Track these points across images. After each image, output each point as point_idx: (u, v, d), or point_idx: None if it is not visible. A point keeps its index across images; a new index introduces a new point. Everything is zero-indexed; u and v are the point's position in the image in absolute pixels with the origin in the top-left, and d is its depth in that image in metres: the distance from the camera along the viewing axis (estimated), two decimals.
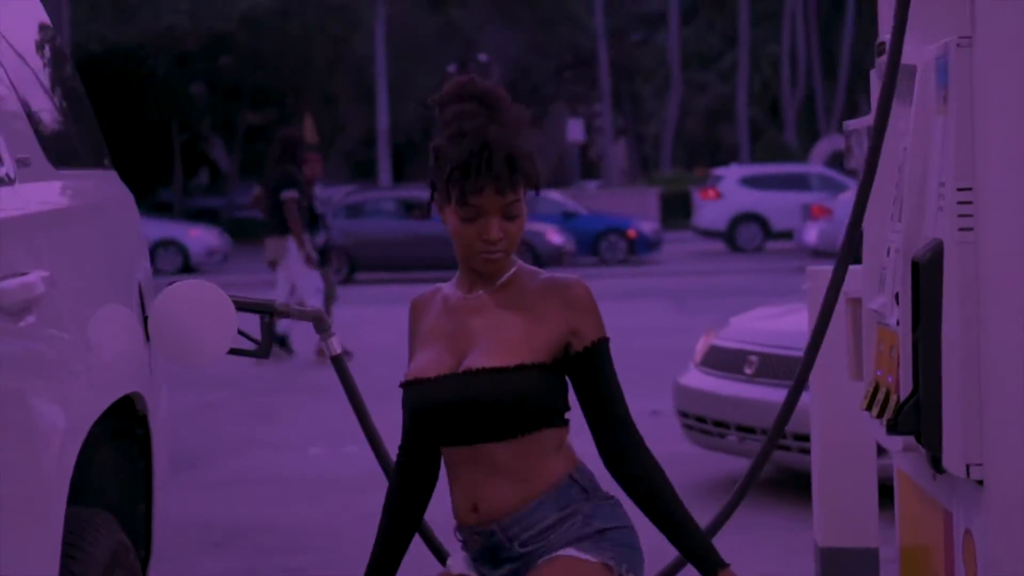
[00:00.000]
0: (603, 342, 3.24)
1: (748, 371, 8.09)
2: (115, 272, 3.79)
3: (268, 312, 3.88)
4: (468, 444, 3.21)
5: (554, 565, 3.17)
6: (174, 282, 3.70)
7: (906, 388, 3.69)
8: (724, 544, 3.56)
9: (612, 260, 30.74)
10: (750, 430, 7.89)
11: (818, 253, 28.13)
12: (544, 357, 3.20)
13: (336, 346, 3.88)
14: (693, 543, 3.23)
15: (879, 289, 4.14)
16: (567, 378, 3.27)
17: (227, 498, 8.54)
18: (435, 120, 3.21)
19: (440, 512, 3.65)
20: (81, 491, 3.40)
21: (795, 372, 4.05)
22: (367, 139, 46.98)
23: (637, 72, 57.02)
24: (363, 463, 9.18)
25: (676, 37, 52.82)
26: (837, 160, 41.52)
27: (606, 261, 30.70)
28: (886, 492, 5.01)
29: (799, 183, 33.62)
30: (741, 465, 8.35)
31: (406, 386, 3.28)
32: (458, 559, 3.34)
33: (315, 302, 13.75)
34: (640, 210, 36.52)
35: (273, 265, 14.49)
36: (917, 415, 3.60)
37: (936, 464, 3.61)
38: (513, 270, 3.27)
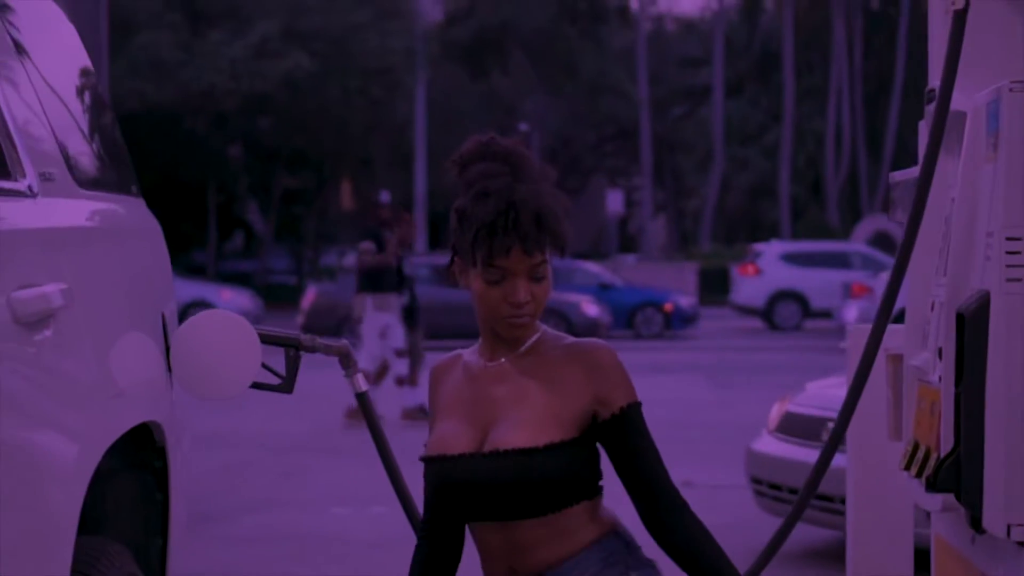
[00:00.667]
0: (633, 407, 3.08)
1: (826, 438, 7.93)
2: (137, 297, 3.71)
3: (294, 346, 3.77)
4: (498, 521, 3.09)
5: None
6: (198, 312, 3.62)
7: (947, 445, 3.58)
8: None
9: (647, 334, 30.58)
10: (828, 498, 7.67)
11: None
12: (573, 431, 3.05)
13: (362, 383, 3.78)
14: None
15: (922, 345, 4.03)
16: (598, 445, 3.13)
17: (250, 554, 8.45)
18: (457, 181, 3.08)
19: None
20: (94, 521, 3.31)
21: None
22: (403, 205, 47.08)
23: (679, 146, 57.15)
24: (387, 523, 9.14)
25: (720, 111, 52.92)
26: (880, 240, 41.38)
27: (641, 335, 30.53)
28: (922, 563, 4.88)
29: (840, 261, 33.45)
30: (811, 533, 8.24)
31: (428, 461, 3.14)
32: None
33: (369, 366, 14.03)
34: (678, 285, 36.44)
35: (358, 322, 14.71)
36: (957, 472, 3.49)
37: (976, 524, 3.50)
38: (537, 336, 3.13)
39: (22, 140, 3.27)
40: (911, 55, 53.37)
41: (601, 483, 3.13)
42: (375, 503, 9.83)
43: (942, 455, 3.60)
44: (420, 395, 14.30)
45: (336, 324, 27.39)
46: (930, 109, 3.90)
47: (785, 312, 33.34)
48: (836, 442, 3.86)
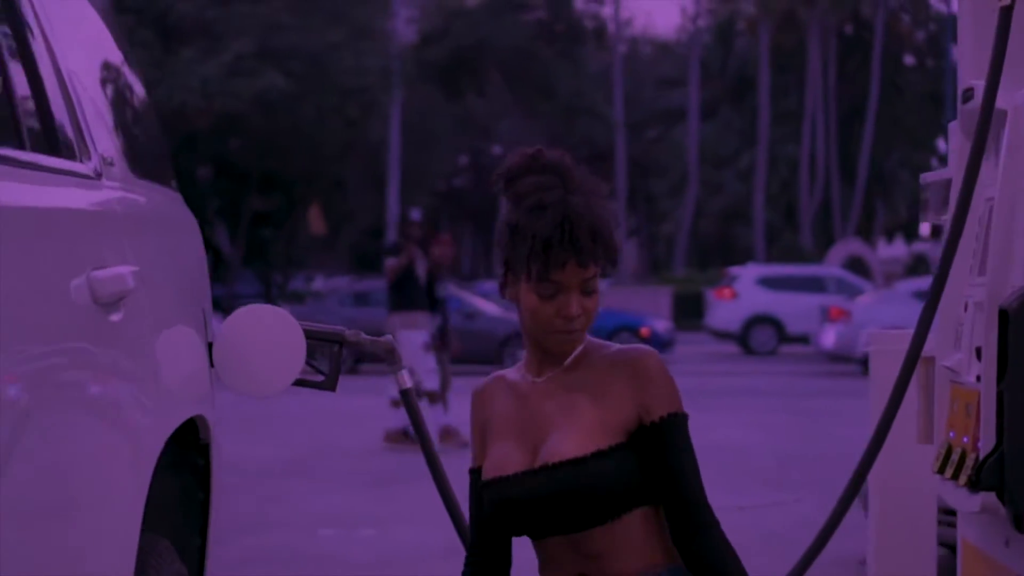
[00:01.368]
0: (675, 418, 3.03)
1: None
2: (186, 290, 3.70)
3: (339, 342, 3.70)
4: (563, 535, 3.05)
5: None
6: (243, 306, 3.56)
7: (987, 445, 3.54)
8: None
9: None
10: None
11: (835, 358, 27.94)
12: (621, 437, 3.03)
13: (407, 379, 3.71)
14: None
15: (955, 346, 3.99)
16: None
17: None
18: (505, 194, 3.06)
19: None
20: (145, 516, 3.26)
21: None
22: (374, 229, 46.85)
23: (652, 169, 57.24)
24: (378, 546, 9.08)
25: (695, 134, 53.06)
26: (853, 264, 41.53)
27: None
28: None
29: (816, 285, 33.47)
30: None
31: (485, 485, 3.12)
32: None
33: (431, 383, 13.80)
34: (652, 309, 36.41)
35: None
36: (1000, 470, 3.45)
37: (1018, 523, 3.46)
38: (582, 347, 3.10)
39: (87, 124, 3.23)
40: (885, 80, 53.66)
41: None
42: (362, 525, 9.77)
43: (982, 455, 3.57)
44: (445, 416, 14.09)
45: (308, 348, 27.27)
46: (966, 108, 3.87)
47: (761, 337, 33.32)
48: (875, 452, 3.81)
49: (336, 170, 43.62)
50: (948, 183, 4.12)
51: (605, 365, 3.06)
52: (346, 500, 10.92)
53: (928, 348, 4.23)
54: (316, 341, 3.64)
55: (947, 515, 5.79)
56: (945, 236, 3.80)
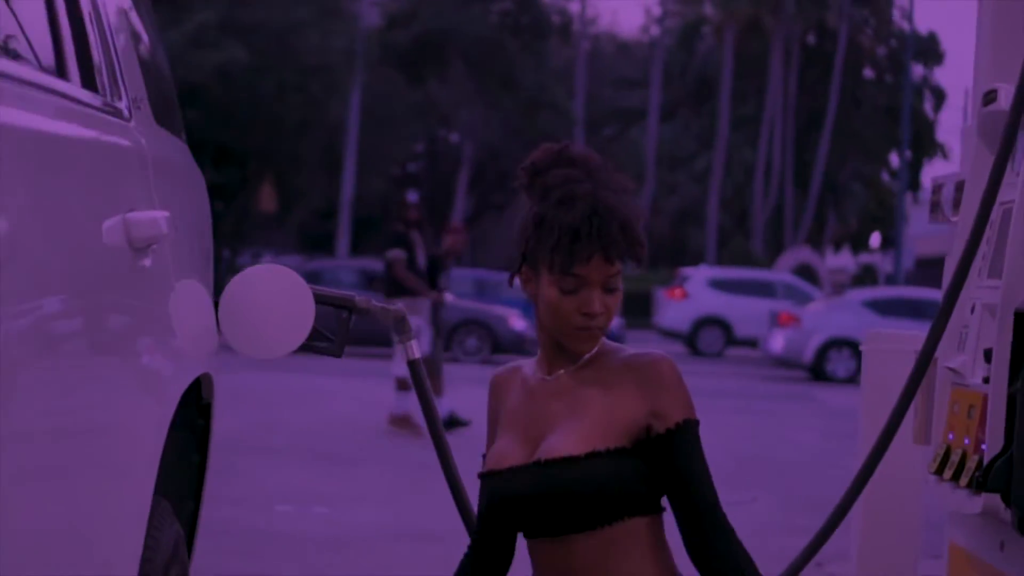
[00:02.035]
0: (689, 424, 2.95)
1: None
2: (198, 243, 3.65)
3: (348, 308, 3.64)
4: (552, 536, 2.99)
5: None
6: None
7: (993, 447, 3.54)
8: None
9: None
10: None
11: (782, 362, 28.05)
12: (622, 441, 2.95)
13: (415, 350, 3.66)
14: None
15: (958, 348, 3.99)
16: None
17: (198, 546, 8.28)
18: (530, 188, 2.99)
19: None
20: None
21: None
22: (325, 211, 46.63)
23: None
24: (335, 524, 9.02)
25: (655, 135, 53.14)
26: (802, 272, 41.70)
27: None
28: None
29: (766, 290, 33.58)
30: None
31: (482, 477, 3.06)
32: None
33: (401, 371, 13.47)
34: None
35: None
36: (1008, 472, 3.44)
37: (1022, 526, 3.46)
38: (596, 348, 3.02)
39: (120, 64, 3.18)
40: (844, 92, 53.90)
41: (663, 506, 3.03)
42: (317, 503, 9.70)
43: (987, 457, 3.56)
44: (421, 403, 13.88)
45: None
46: (987, 111, 3.86)
47: (709, 338, 33.39)
48: (882, 451, 3.78)
49: (292, 148, 43.40)
50: (961, 184, 4.13)
51: (618, 368, 2.99)
52: (299, 477, 10.86)
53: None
54: (325, 305, 3.59)
55: None
56: (962, 238, 3.78)
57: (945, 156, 57.90)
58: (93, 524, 2.68)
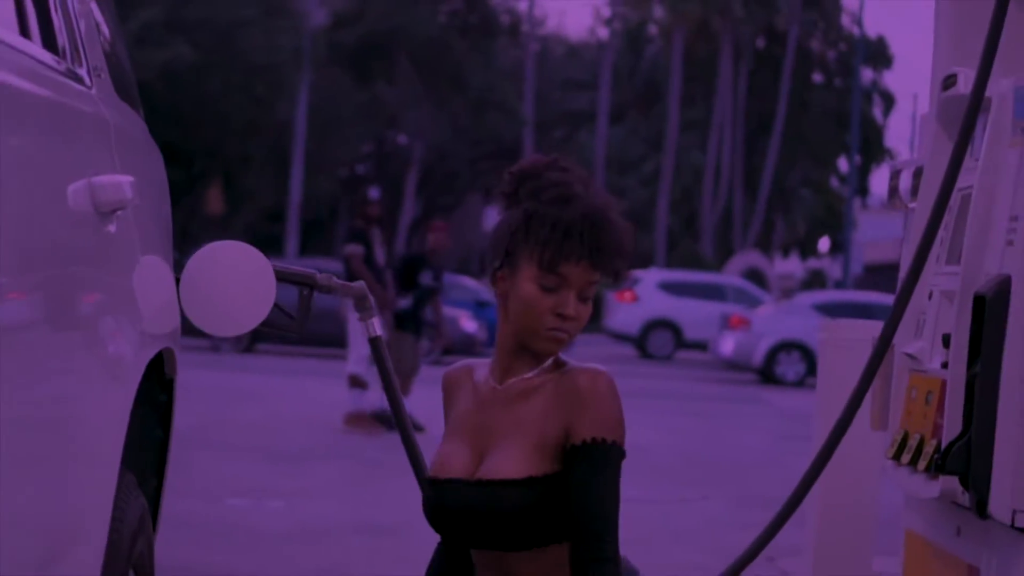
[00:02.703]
0: (600, 445, 2.89)
1: None
2: (159, 216, 3.62)
3: (309, 285, 3.62)
4: (488, 550, 3.00)
5: None
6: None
7: (952, 430, 3.55)
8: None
9: None
10: None
11: (732, 365, 28.14)
12: (556, 465, 2.93)
13: (377, 327, 3.64)
14: None
15: (915, 335, 4.00)
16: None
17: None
18: (515, 192, 2.99)
19: None
20: None
21: None
22: (273, 213, 46.46)
23: None
24: (288, 517, 8.99)
25: (603, 138, 53.21)
26: (751, 275, 41.87)
27: None
28: None
29: (716, 293, 33.69)
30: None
31: (424, 483, 3.09)
32: None
33: (358, 368, 13.41)
34: None
35: (344, 322, 14.13)
36: (967, 455, 3.46)
37: (981, 508, 3.47)
38: (550, 360, 3.02)
39: (80, 31, 3.16)
40: (793, 96, 54.13)
41: None
42: (270, 497, 9.67)
43: (944, 441, 3.57)
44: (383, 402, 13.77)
45: None
46: (946, 96, 3.87)
47: (658, 341, 33.46)
48: (839, 437, 3.78)
49: (240, 148, 43.25)
50: (919, 171, 4.14)
51: (556, 382, 2.98)
52: (252, 472, 10.81)
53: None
54: (286, 282, 3.57)
55: None
56: (921, 224, 3.78)
57: (894, 161, 58.30)
58: (61, 496, 2.67)
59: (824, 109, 56.91)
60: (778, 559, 8.10)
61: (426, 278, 13.95)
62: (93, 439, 2.86)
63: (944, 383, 3.66)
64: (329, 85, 45.08)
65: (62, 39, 3.04)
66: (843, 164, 57.05)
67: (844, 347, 5.08)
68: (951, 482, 3.56)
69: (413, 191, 50.21)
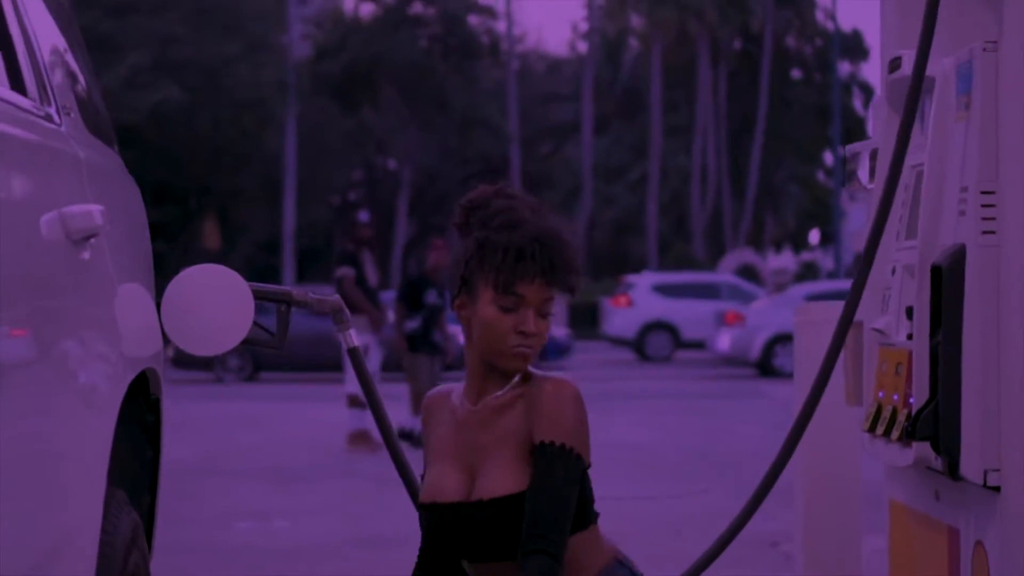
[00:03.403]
0: (551, 447, 3.04)
1: None
2: (136, 244, 3.77)
3: (285, 301, 3.77)
4: (496, 561, 3.13)
5: None
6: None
7: (920, 398, 3.68)
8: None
9: None
10: None
11: (730, 361, 28.23)
12: None
13: (354, 338, 3.78)
14: None
15: (881, 310, 4.13)
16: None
17: (163, 563, 8.35)
18: (466, 221, 3.14)
19: None
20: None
21: None
22: (269, 244, 46.63)
23: (545, 183, 57.41)
24: (295, 536, 9.11)
25: (589, 148, 53.30)
26: (745, 272, 41.96)
27: None
28: None
29: (710, 292, 33.66)
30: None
31: (423, 508, 3.19)
32: None
33: (355, 388, 13.16)
34: None
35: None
36: (935, 420, 3.59)
37: (953, 470, 3.60)
38: (519, 377, 3.16)
39: (47, 73, 3.33)
40: (773, 94, 54.26)
41: (596, 509, 3.17)
42: (278, 517, 9.77)
43: (914, 409, 3.70)
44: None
45: (207, 357, 27.16)
46: (893, 78, 4.01)
47: (657, 343, 33.45)
48: (811, 411, 3.91)
49: (232, 182, 43.45)
50: (875, 153, 4.27)
51: (525, 395, 3.12)
52: (257, 496, 10.92)
53: (856, 314, 4.37)
54: (264, 300, 3.71)
55: None
56: (876, 202, 3.93)
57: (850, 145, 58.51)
58: (48, 514, 2.81)
59: (805, 104, 57.01)
60: (782, 544, 8.23)
61: (431, 297, 14.00)
62: (75, 457, 2.98)
63: (911, 354, 3.79)
64: (316, 115, 45.28)
65: (30, 81, 3.20)
66: (828, 157, 57.19)
67: (818, 328, 5.23)
68: (924, 448, 3.69)
69: (405, 213, 50.34)
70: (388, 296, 33.45)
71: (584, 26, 57.80)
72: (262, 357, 26.88)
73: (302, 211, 43.95)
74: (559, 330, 32.26)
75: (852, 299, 3.84)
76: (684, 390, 22.92)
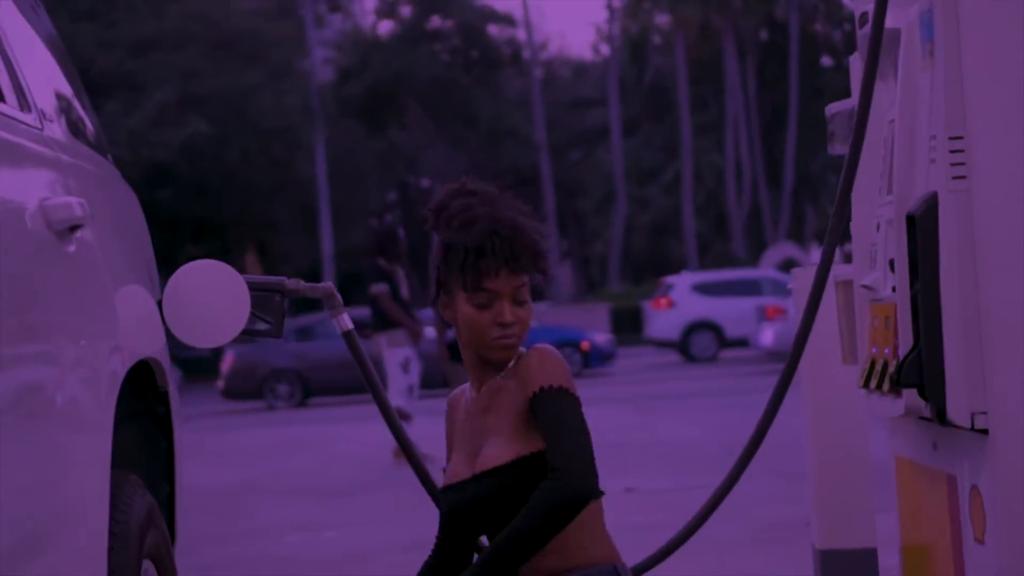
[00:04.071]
0: (548, 389, 3.15)
1: None
2: (130, 242, 4.00)
3: (279, 292, 3.87)
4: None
5: None
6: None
7: (906, 344, 3.71)
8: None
9: None
10: None
11: (774, 355, 28.13)
12: (540, 441, 3.17)
13: (347, 322, 3.86)
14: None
15: (870, 267, 4.17)
16: None
17: None
18: (436, 225, 3.24)
19: None
20: (113, 451, 3.46)
21: None
22: (311, 271, 46.81)
23: (578, 190, 57.34)
24: (343, 545, 9.21)
25: (620, 152, 53.21)
26: (788, 266, 41.77)
27: None
28: None
29: (751, 288, 33.52)
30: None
31: (439, 496, 3.35)
32: None
33: (399, 401, 13.44)
34: (591, 326, 36.40)
35: (378, 361, 14.03)
36: (920, 367, 3.62)
37: (940, 416, 3.62)
38: (515, 359, 3.27)
39: (25, 79, 3.50)
40: (804, 83, 54.01)
41: (600, 488, 3.18)
42: (327, 529, 9.92)
43: (902, 357, 3.73)
44: None
45: (256, 386, 27.33)
46: (863, 33, 4.05)
47: (701, 343, 33.33)
48: (788, 381, 3.96)
49: (267, 212, 43.64)
50: (852, 113, 4.30)
51: (515, 371, 3.23)
52: (307, 511, 11.07)
53: (847, 273, 4.42)
54: (259, 292, 3.80)
55: None
56: (845, 162, 3.97)
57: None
58: (51, 498, 2.96)
59: (837, 91, 56.63)
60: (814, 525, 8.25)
61: None
62: (72, 437, 3.12)
63: (896, 306, 3.83)
64: (344, 139, 45.42)
65: (7, 87, 3.36)
66: None
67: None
68: (912, 396, 3.73)
69: None
70: (426, 313, 33.71)
71: (606, 29, 57.78)
72: (310, 383, 27.05)
73: (340, 235, 44.08)
74: (601, 336, 32.23)
75: (826, 256, 3.90)
76: (727, 387, 22.89)
